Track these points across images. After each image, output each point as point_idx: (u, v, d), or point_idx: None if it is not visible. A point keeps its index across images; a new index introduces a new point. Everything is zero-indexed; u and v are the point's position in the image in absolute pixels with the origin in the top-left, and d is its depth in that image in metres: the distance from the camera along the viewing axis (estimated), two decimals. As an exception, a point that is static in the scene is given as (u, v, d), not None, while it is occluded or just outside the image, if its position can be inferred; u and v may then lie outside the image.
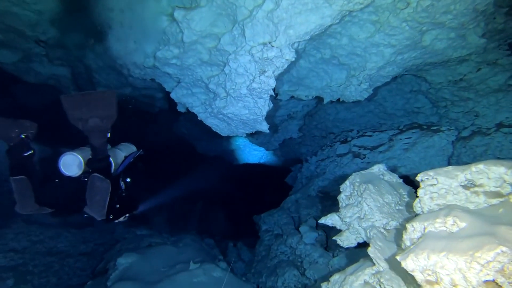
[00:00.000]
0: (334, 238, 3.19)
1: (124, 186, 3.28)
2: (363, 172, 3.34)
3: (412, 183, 3.50)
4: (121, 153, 3.35)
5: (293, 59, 3.78)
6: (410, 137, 5.44)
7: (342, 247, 5.68)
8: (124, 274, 5.58)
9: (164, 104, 9.68)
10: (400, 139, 5.55)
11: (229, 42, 4.12)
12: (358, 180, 3.22)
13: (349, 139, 7.04)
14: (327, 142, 8.64)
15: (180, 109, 6.50)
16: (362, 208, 2.98)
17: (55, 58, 7.37)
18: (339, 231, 4.51)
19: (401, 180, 3.30)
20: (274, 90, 4.26)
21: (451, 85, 5.30)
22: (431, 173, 2.36)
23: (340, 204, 3.32)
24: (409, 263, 1.91)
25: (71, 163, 2.89)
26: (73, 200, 2.96)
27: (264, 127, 4.64)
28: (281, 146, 10.19)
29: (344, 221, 3.15)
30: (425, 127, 5.61)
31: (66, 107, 2.65)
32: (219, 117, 4.84)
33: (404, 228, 2.25)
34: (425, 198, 2.39)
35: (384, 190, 3.06)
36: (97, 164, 2.84)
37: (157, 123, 11.94)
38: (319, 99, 6.00)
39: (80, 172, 2.91)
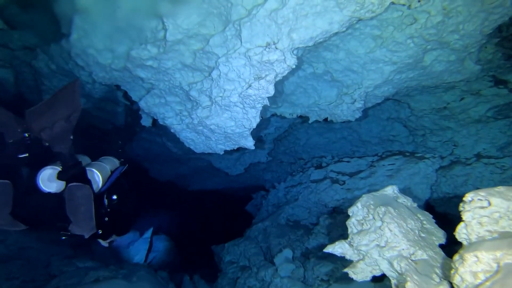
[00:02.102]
0: (345, 270, 2.70)
1: (107, 203, 2.83)
2: (374, 193, 2.95)
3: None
4: (107, 167, 2.92)
5: (294, 67, 3.40)
6: (393, 164, 5.25)
7: (324, 281, 5.21)
8: (64, 317, 4.56)
9: (120, 120, 8.78)
10: (383, 165, 5.34)
11: (219, 44, 3.65)
12: (371, 202, 2.82)
13: (324, 164, 6.75)
14: (296, 168, 8.31)
15: (145, 122, 5.80)
16: (383, 234, 2.56)
17: (-5, 58, 6.35)
18: (336, 262, 4.06)
19: (416, 204, 2.95)
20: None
21: (433, 113, 5.26)
22: (482, 193, 2.01)
23: (349, 230, 2.87)
24: (496, 306, 1.48)
25: (52, 178, 2.50)
26: (53, 218, 2.58)
27: (249, 142, 4.14)
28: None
29: (358, 250, 2.69)
30: (407, 154, 5.49)
31: (30, 120, 2.30)
32: (197, 130, 4.25)
33: (461, 258, 1.84)
34: (473, 223, 2.02)
35: (405, 214, 2.67)
36: (70, 171, 2.46)
37: (109, 141, 10.87)
38: (303, 119, 5.67)
39: (62, 188, 2.50)
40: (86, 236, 2.55)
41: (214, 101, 3.74)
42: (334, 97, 4.51)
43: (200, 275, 8.47)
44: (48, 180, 2.50)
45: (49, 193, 2.51)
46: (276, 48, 3.17)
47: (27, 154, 2.50)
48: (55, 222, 2.57)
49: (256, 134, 7.18)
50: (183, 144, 8.09)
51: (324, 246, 6.23)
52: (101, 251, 10.12)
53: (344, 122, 6.69)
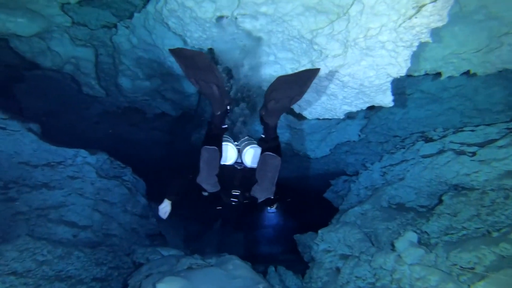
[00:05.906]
0: None
1: None
2: None
3: None
4: None
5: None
6: (546, 127, 4.25)
7: (466, 269, 4.34)
8: (168, 306, 4.12)
9: (190, 104, 8.32)
10: (533, 130, 4.35)
11: (359, -29, 2.92)
12: None
13: (435, 137, 5.81)
14: (388, 148, 7.40)
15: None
16: None
17: (77, 38, 6.09)
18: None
19: None
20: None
21: None
22: None
23: None
24: None
25: (230, 154, 2.93)
26: (233, 184, 3.00)
27: (388, 98, 3.38)
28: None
29: None
30: None
31: (274, 87, 2.53)
32: (319, 87, 3.56)
33: None
34: None
35: None
36: (270, 143, 2.76)
37: (171, 131, 10.53)
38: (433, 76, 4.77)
39: (233, 161, 2.98)
40: (262, 199, 2.77)
41: (353, 44, 3.02)
42: (484, 40, 3.60)
43: (285, 266, 7.87)
44: (227, 155, 2.92)
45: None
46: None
47: (227, 126, 2.83)
48: (232, 188, 2.95)
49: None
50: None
51: (453, 228, 5.28)
52: (174, 241, 9.88)
53: (457, 87, 5.72)
